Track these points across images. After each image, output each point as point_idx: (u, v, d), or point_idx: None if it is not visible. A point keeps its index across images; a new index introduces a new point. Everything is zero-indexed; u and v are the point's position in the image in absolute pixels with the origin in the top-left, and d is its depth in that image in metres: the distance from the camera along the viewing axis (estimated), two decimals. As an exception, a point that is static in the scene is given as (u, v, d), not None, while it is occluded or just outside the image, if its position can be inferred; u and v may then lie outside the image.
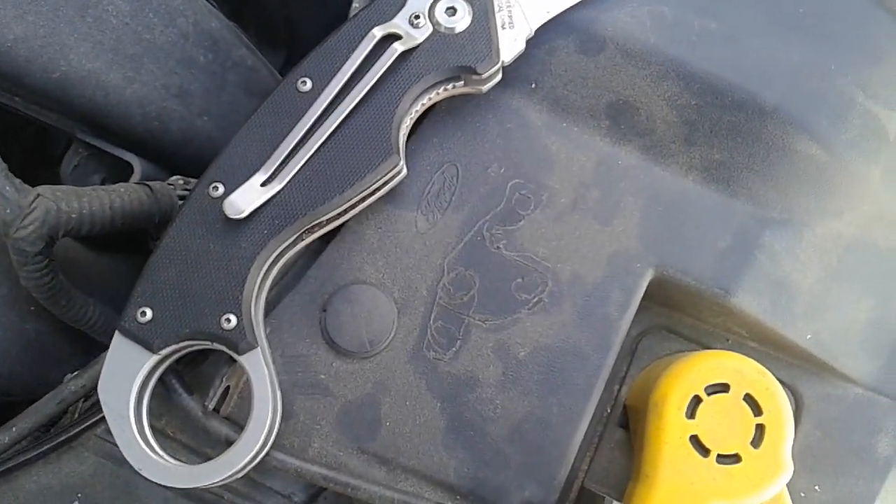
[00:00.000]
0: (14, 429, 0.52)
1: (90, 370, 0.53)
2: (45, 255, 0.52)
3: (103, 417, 0.49)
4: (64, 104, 0.63)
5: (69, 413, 0.55)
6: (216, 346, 0.45)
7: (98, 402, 0.53)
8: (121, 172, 0.68)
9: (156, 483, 0.43)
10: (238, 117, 0.73)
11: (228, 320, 0.44)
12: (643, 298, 0.52)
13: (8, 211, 0.49)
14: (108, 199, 0.56)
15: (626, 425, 0.55)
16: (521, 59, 0.50)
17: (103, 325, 0.61)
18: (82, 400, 0.55)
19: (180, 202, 0.65)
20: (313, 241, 0.49)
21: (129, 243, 0.72)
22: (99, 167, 0.71)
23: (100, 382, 0.44)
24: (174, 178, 0.67)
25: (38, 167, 0.54)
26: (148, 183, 0.63)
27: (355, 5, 0.64)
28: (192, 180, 0.68)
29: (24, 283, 0.53)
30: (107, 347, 0.61)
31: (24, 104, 0.68)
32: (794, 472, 0.50)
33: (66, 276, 0.56)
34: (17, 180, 0.50)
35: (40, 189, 0.51)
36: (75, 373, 0.56)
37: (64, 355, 0.64)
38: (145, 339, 0.44)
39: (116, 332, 0.45)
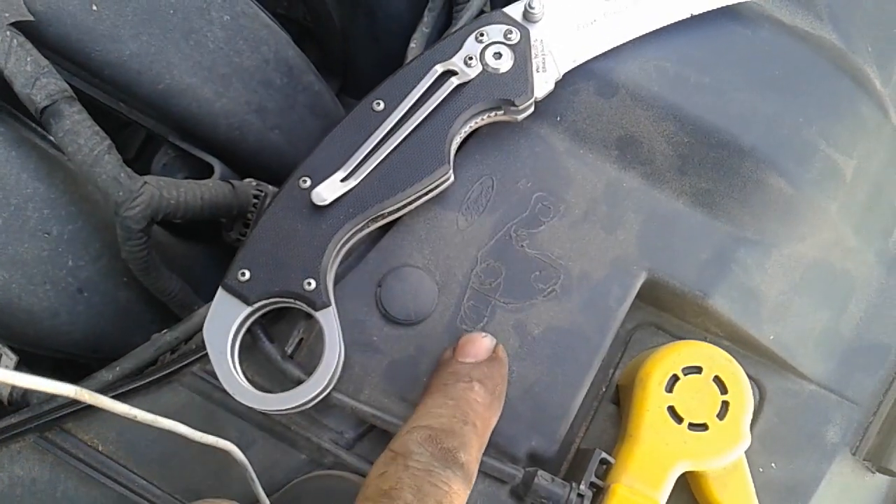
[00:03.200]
0: (118, 368, 0.60)
1: (182, 326, 0.61)
2: (146, 233, 0.59)
3: (198, 358, 0.56)
4: (163, 112, 0.69)
5: (159, 361, 0.62)
6: (297, 303, 0.52)
7: (185, 351, 0.62)
8: (202, 172, 0.76)
9: (245, 406, 0.51)
10: (304, 133, 0.80)
11: (309, 283, 0.52)
12: (638, 299, 0.59)
13: (121, 193, 0.57)
14: (200, 191, 0.64)
15: (618, 402, 0.62)
16: (550, 97, 0.58)
17: (181, 298, 0.68)
18: (169, 352, 0.63)
19: (254, 200, 0.75)
20: (374, 231, 0.57)
21: (206, 234, 0.79)
22: (184, 166, 0.79)
23: (205, 325, 0.52)
24: (247, 180, 0.73)
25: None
26: (231, 181, 0.71)
27: (412, 46, 0.75)
28: (263, 183, 0.74)
29: (125, 256, 0.61)
30: (179, 318, 0.70)
31: (128, 109, 0.77)
32: (754, 450, 0.57)
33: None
34: (129, 169, 0.58)
35: (147, 178, 0.59)
36: (164, 330, 0.63)
37: (145, 322, 0.70)
38: (243, 294, 0.52)
39: (220, 287, 0.52)
